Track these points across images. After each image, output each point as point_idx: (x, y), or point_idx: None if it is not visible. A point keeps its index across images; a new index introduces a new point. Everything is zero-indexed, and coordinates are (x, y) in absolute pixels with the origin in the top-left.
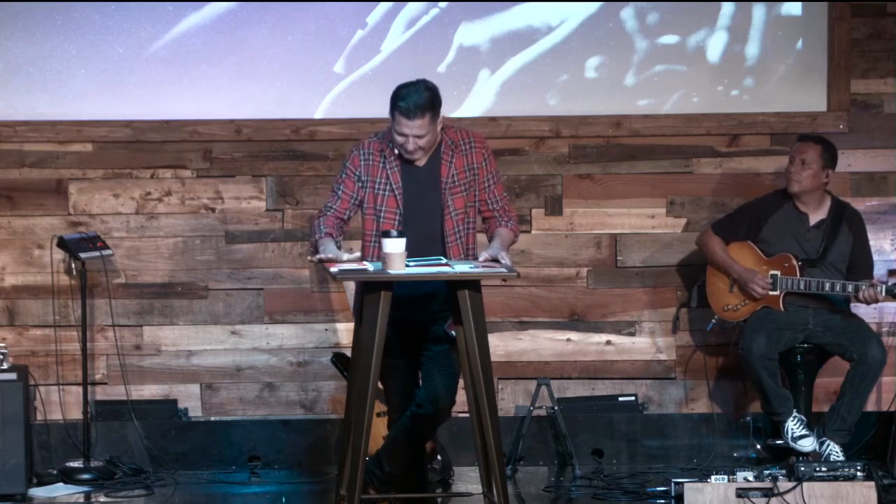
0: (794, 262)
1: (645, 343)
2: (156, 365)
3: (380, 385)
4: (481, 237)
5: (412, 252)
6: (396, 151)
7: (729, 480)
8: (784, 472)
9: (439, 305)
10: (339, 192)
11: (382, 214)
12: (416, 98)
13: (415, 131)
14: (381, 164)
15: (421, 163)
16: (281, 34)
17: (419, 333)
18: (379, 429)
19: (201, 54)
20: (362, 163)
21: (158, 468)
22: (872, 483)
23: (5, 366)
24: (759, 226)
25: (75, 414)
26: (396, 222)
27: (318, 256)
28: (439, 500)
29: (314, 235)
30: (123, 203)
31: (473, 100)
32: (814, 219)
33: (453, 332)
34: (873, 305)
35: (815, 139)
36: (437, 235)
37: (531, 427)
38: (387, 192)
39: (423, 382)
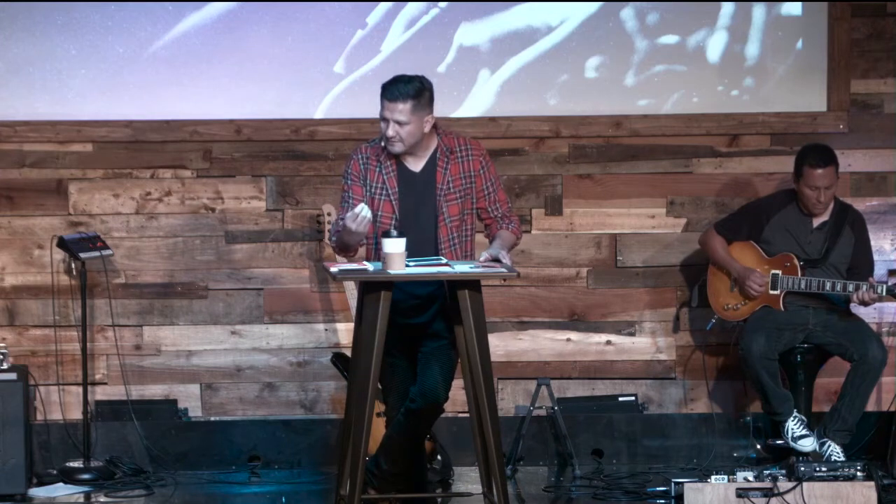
0: (796, 262)
1: (645, 343)
2: (156, 365)
3: (380, 385)
4: (480, 238)
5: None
6: (392, 157)
7: (729, 480)
8: (784, 472)
9: (438, 306)
10: (350, 200)
11: (379, 219)
12: (403, 84)
13: (395, 115)
14: (377, 170)
15: (415, 167)
16: (281, 34)
17: (418, 333)
18: (379, 429)
19: (201, 54)
20: (361, 166)
21: (158, 468)
22: (872, 483)
23: (5, 366)
24: (762, 226)
25: (75, 414)
26: (391, 227)
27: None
28: (439, 500)
29: (337, 228)
30: (123, 203)
31: (473, 100)
32: (817, 220)
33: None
34: (873, 305)
35: (826, 159)
36: (431, 242)
37: (531, 427)
38: (383, 197)
39: (417, 377)
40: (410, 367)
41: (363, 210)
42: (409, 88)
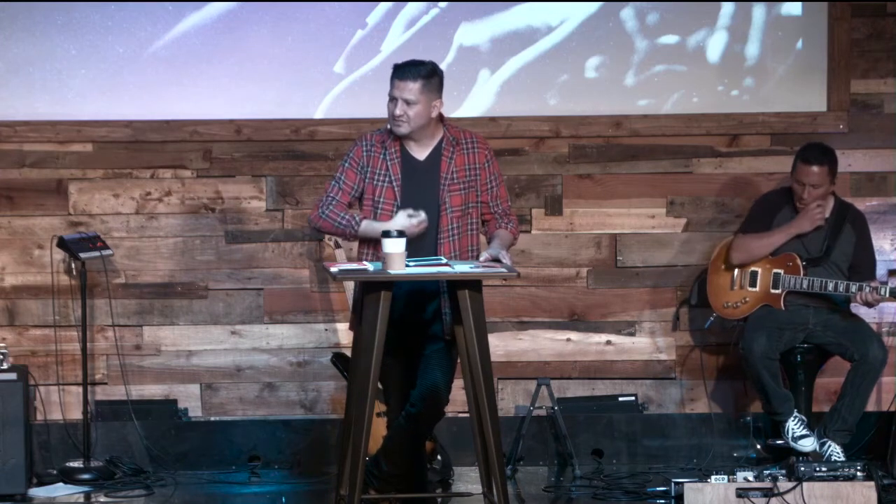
0: (798, 261)
1: (645, 343)
2: (156, 365)
3: (380, 385)
4: (481, 238)
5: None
6: (397, 144)
7: (729, 480)
8: (784, 472)
9: (437, 306)
10: (341, 183)
11: (380, 206)
12: (414, 64)
13: (404, 94)
14: (381, 156)
15: (420, 155)
16: (281, 34)
17: (417, 333)
18: (379, 429)
19: (201, 54)
20: (364, 153)
21: (158, 468)
22: (872, 483)
23: (5, 366)
24: (772, 219)
25: (75, 414)
26: (393, 214)
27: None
28: (439, 500)
29: (339, 225)
30: (123, 203)
31: (473, 100)
32: None
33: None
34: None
35: (820, 159)
36: (431, 230)
37: (531, 427)
38: (385, 184)
39: (417, 380)
40: (409, 368)
41: (423, 215)
42: (420, 69)
